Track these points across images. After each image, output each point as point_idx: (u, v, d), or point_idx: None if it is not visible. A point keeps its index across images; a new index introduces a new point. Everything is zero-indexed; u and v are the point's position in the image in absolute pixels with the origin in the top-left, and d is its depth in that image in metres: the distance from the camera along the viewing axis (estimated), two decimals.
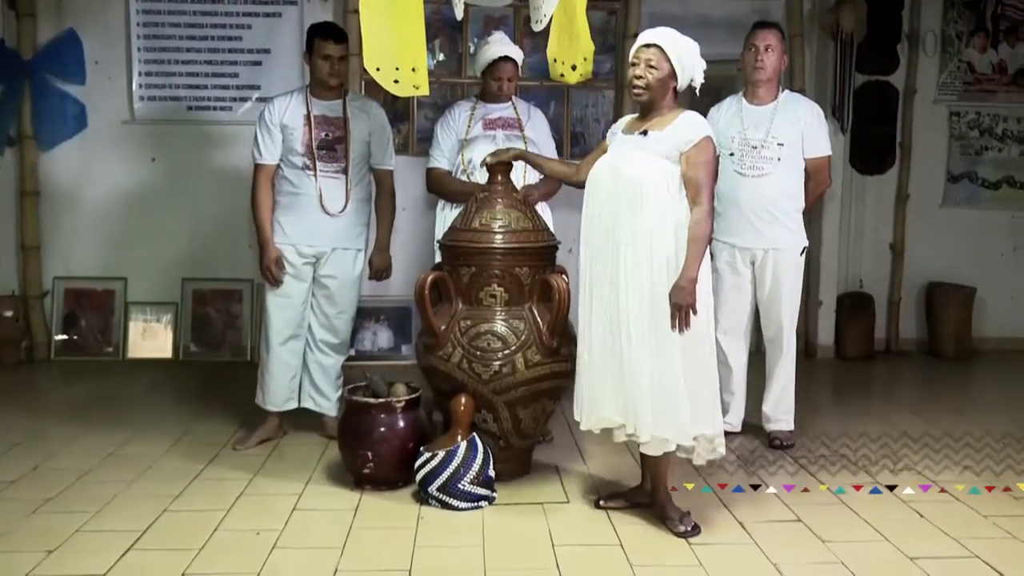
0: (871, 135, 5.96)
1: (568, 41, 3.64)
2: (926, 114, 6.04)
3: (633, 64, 3.08)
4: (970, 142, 6.15)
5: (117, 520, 3.15)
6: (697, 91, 3.18)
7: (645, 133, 3.08)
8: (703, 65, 3.12)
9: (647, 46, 3.06)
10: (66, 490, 3.42)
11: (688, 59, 3.07)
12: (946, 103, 6.09)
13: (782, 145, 3.92)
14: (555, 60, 3.77)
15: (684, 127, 3.06)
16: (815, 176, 4.05)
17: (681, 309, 2.96)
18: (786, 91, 4.09)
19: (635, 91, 3.09)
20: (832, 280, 5.91)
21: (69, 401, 4.78)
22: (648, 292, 2.99)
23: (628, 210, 3.01)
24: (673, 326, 2.97)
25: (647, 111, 3.13)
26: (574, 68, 3.72)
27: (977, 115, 6.13)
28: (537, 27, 3.44)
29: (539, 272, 3.46)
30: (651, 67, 3.04)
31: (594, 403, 3.15)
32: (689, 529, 3.07)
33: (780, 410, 4.09)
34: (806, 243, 4.06)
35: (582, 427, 3.21)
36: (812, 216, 4.68)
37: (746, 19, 4.63)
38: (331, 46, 3.81)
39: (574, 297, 3.29)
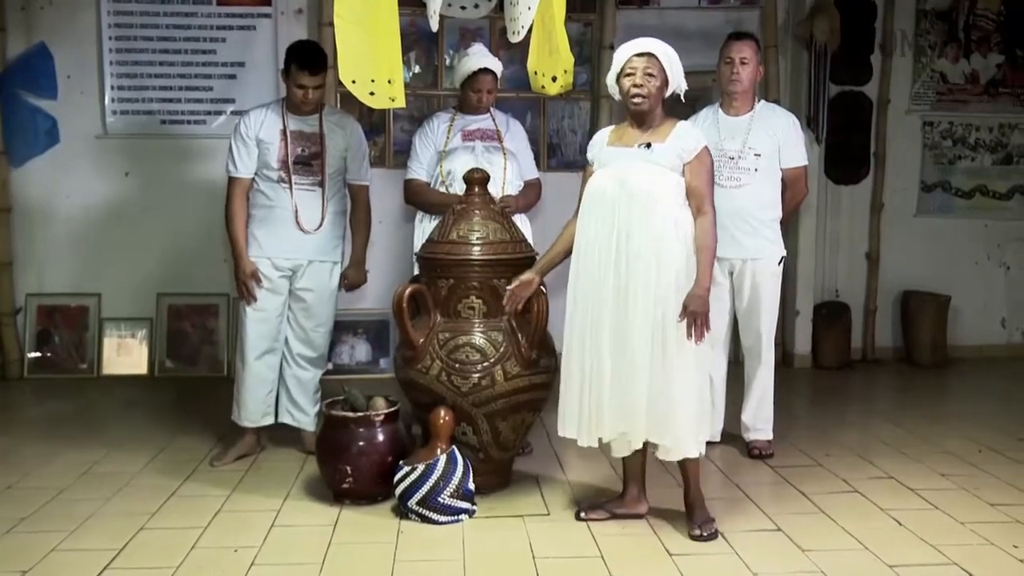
0: (846, 145, 6.01)
1: (548, 53, 3.65)
2: (900, 124, 6.10)
3: (629, 74, 3.08)
4: (943, 151, 6.22)
5: (93, 539, 3.11)
6: (682, 98, 3.23)
7: (649, 146, 3.08)
8: (682, 73, 3.17)
9: (641, 55, 3.08)
10: (41, 509, 3.38)
11: (677, 67, 3.12)
12: (919, 113, 6.16)
13: (759, 156, 3.94)
14: (536, 73, 3.78)
15: (684, 137, 3.09)
16: (792, 186, 4.07)
17: (697, 318, 2.99)
18: (762, 102, 4.12)
19: (635, 100, 3.08)
20: (809, 289, 5.95)
21: (43, 419, 4.72)
22: (661, 304, 3.00)
23: (639, 223, 3.02)
24: (689, 335, 3.00)
25: (640, 122, 3.14)
26: (555, 80, 3.73)
27: (950, 125, 6.20)
28: (514, 39, 3.44)
29: None
30: (649, 75, 3.06)
31: (596, 420, 3.11)
32: (703, 534, 3.10)
33: (759, 420, 4.10)
34: (784, 253, 4.08)
35: (581, 443, 3.18)
36: (788, 226, 4.71)
37: (721, 30, 4.67)
38: (306, 77, 3.74)
39: (552, 308, 3.30)
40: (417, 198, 4.24)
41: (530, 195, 4.26)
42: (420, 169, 4.22)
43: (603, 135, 3.27)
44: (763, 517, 3.35)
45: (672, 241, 3.02)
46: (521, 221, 4.15)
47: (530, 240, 4.08)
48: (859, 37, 5.93)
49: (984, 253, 6.28)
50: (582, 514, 3.31)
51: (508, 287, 3.38)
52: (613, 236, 3.06)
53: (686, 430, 3.04)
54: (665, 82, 3.10)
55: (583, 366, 3.13)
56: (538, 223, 4.35)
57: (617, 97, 3.20)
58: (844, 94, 5.98)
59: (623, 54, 3.13)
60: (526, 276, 3.36)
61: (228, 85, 5.55)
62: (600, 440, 3.19)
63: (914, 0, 6.03)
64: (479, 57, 4.12)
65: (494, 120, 4.24)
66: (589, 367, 3.12)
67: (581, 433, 3.17)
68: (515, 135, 4.29)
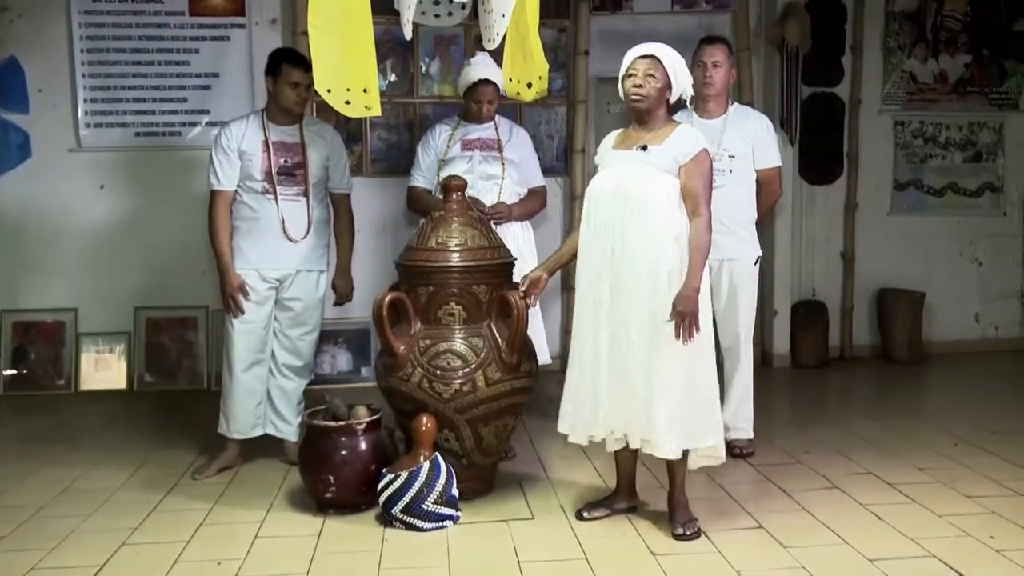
0: (819, 146, 6.06)
1: (523, 60, 3.67)
2: (872, 124, 6.17)
3: (631, 75, 3.13)
4: (915, 150, 6.29)
5: (74, 556, 3.08)
6: (688, 103, 3.30)
7: (645, 148, 3.12)
8: (691, 80, 3.22)
9: (643, 57, 3.13)
10: (19, 528, 3.34)
11: (681, 71, 3.16)
12: (890, 113, 6.23)
13: (733, 157, 3.97)
14: (511, 79, 3.80)
15: (682, 140, 3.12)
16: (766, 187, 4.11)
17: (685, 318, 3.00)
18: (735, 104, 4.16)
19: (634, 99, 3.12)
20: (786, 289, 5.99)
21: (20, 436, 4.67)
22: (653, 304, 3.03)
23: (634, 223, 3.06)
24: (677, 335, 3.00)
25: (641, 125, 3.18)
26: (530, 86, 3.74)
27: (921, 124, 6.27)
28: (489, 46, 3.46)
29: (496, 289, 3.47)
30: (650, 76, 3.10)
31: (590, 418, 3.16)
32: (686, 533, 3.13)
33: (739, 419, 4.12)
34: (760, 253, 4.12)
35: (572, 439, 3.24)
36: (764, 227, 4.75)
37: (693, 34, 4.71)
38: (300, 74, 3.78)
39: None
40: (417, 205, 4.31)
41: (532, 202, 4.31)
42: (421, 177, 4.30)
43: (610, 138, 3.32)
44: (745, 515, 3.37)
45: (665, 242, 3.05)
46: (523, 228, 4.21)
47: (533, 247, 4.14)
48: (830, 39, 5.99)
49: (957, 250, 6.35)
50: (585, 513, 3.34)
51: (520, 288, 3.41)
52: (609, 237, 3.10)
53: (671, 430, 3.04)
54: (668, 85, 3.14)
55: (581, 363, 3.19)
56: (540, 231, 4.39)
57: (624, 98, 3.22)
58: (816, 95, 6.04)
59: (628, 57, 3.18)
60: (534, 274, 3.41)
61: (203, 96, 5.53)
62: (591, 439, 3.22)
63: (883, 2, 6.11)
64: (480, 68, 4.15)
65: (496, 129, 4.28)
66: (586, 364, 3.17)
67: (576, 430, 3.22)
68: (518, 144, 4.33)
